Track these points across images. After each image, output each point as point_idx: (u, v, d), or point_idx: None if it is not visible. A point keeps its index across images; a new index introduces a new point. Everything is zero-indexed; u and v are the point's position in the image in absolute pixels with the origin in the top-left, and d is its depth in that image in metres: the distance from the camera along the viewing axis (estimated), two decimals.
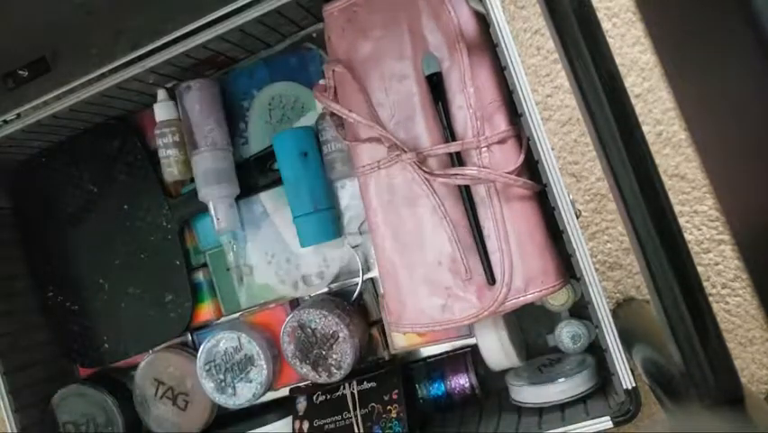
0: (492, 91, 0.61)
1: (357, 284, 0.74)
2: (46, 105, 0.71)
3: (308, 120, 0.75)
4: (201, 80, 0.74)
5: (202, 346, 0.74)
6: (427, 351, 0.75)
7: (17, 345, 0.78)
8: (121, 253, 0.80)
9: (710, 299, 0.65)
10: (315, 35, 0.75)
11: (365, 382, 0.71)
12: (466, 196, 0.61)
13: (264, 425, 0.75)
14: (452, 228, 0.61)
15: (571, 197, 0.57)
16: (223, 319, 0.79)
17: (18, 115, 0.72)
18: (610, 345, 0.57)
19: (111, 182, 0.80)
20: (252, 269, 0.77)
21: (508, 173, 0.59)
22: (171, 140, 0.75)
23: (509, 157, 0.60)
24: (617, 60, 0.47)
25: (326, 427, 0.71)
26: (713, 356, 0.44)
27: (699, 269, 0.62)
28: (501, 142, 0.60)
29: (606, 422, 0.58)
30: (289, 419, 0.74)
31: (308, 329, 0.70)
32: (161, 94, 0.76)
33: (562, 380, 0.64)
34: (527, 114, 0.57)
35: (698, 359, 0.44)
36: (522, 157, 0.61)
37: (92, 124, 0.79)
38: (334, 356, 0.69)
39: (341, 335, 0.69)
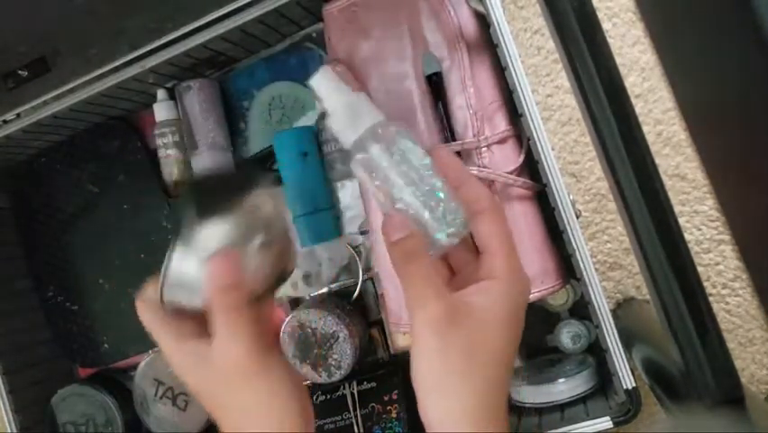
0: (492, 91, 0.61)
1: (357, 284, 0.74)
2: (46, 105, 0.71)
3: (308, 120, 0.75)
4: (201, 80, 0.74)
5: None
6: None
7: (17, 346, 0.78)
8: (121, 254, 0.80)
9: (710, 299, 0.65)
10: (315, 35, 0.75)
11: (365, 383, 0.71)
12: None
13: None
14: None
15: (571, 197, 0.57)
16: None
17: (18, 115, 0.72)
18: (610, 345, 0.57)
19: (111, 182, 0.80)
20: None
21: (508, 173, 0.59)
22: (171, 140, 0.75)
23: (509, 157, 0.60)
24: (618, 60, 0.46)
25: (326, 427, 0.71)
26: (713, 356, 0.44)
27: (700, 269, 0.61)
28: (501, 142, 0.60)
29: (606, 422, 0.58)
30: None
31: (308, 329, 0.70)
32: (161, 94, 0.76)
33: (562, 380, 0.64)
34: (527, 114, 0.57)
35: (698, 359, 0.44)
36: (522, 157, 0.61)
37: (92, 124, 0.79)
38: (334, 356, 0.69)
39: (341, 335, 0.69)
